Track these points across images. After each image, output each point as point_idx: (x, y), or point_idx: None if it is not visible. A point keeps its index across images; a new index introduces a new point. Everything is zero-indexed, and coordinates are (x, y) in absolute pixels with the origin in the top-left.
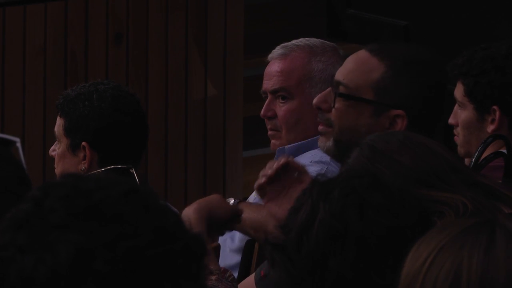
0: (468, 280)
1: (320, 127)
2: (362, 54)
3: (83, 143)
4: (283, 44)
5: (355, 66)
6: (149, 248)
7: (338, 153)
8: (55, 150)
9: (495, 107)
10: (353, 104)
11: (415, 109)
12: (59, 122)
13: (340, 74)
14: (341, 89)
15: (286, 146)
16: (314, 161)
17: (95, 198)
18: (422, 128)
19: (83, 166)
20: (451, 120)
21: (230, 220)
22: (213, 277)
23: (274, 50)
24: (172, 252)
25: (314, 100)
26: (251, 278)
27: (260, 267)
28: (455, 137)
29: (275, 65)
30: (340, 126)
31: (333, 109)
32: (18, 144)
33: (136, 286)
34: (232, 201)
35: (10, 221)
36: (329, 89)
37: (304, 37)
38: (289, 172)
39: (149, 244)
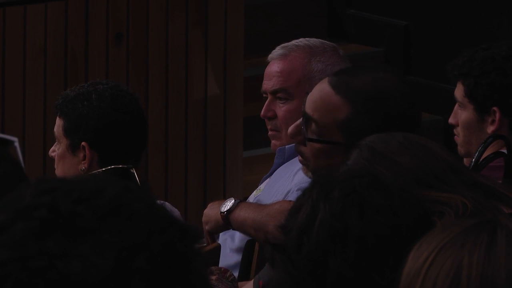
0: (468, 278)
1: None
2: (326, 88)
3: (83, 143)
4: (283, 45)
5: (321, 103)
6: (177, 243)
7: None
8: (55, 150)
9: (495, 108)
10: (325, 146)
11: None
12: (59, 122)
13: (309, 108)
14: (313, 126)
15: (286, 146)
16: None
17: (108, 198)
18: None
19: (83, 166)
20: (451, 120)
21: None
22: (213, 277)
23: (274, 51)
24: (192, 245)
25: (290, 129)
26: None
27: (258, 276)
28: (455, 137)
29: (275, 66)
30: (315, 165)
31: (306, 143)
32: (16, 144)
33: (174, 280)
34: (232, 201)
35: (25, 231)
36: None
37: (304, 37)
38: None
39: (176, 238)
